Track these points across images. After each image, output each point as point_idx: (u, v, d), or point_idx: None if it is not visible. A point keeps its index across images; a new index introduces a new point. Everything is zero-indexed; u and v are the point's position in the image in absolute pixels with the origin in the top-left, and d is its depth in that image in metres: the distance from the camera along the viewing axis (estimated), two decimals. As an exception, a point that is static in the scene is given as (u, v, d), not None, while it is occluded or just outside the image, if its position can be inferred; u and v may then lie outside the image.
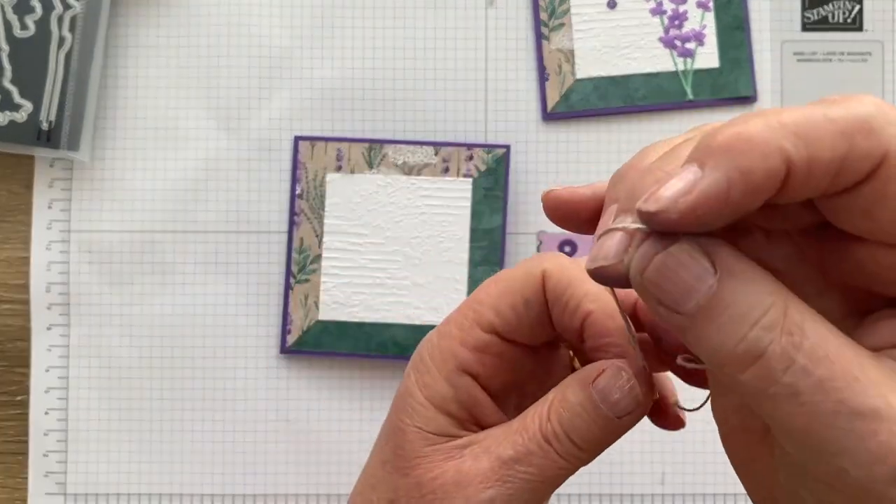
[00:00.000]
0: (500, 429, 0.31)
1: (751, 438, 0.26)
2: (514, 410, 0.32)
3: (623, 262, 0.23)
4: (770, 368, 0.22)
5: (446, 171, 0.55)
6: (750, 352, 0.22)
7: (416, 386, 0.32)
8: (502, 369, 0.32)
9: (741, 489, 0.44)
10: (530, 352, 0.32)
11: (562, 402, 0.30)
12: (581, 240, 0.56)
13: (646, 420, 0.40)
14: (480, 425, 0.32)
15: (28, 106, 0.54)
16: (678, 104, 0.56)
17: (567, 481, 0.57)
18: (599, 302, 0.30)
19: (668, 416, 0.32)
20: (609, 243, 0.24)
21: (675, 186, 0.22)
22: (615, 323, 0.30)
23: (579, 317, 0.30)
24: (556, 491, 0.58)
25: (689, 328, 0.23)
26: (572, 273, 0.31)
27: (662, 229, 0.23)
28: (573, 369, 0.34)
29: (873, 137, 0.21)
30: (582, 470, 0.58)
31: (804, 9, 0.57)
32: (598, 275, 0.24)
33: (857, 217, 0.22)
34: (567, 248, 0.56)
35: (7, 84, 0.53)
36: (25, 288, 0.56)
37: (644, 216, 0.22)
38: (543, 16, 0.56)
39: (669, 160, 0.24)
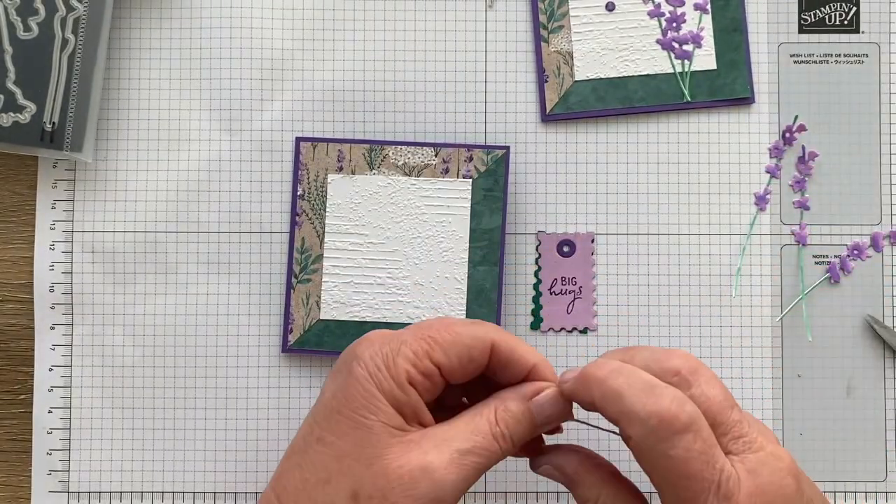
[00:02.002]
0: (447, 427, 0.40)
1: None
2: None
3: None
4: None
5: (446, 171, 0.55)
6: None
7: (377, 388, 0.39)
8: (433, 390, 0.41)
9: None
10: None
11: (506, 411, 0.41)
12: (578, 238, 0.56)
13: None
14: (421, 423, 0.40)
15: (31, 107, 0.54)
16: (676, 106, 0.57)
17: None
18: (538, 358, 0.43)
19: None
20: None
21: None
22: (548, 374, 0.43)
23: (524, 370, 0.42)
24: (555, 489, 0.59)
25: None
26: (513, 343, 0.42)
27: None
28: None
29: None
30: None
31: (801, 11, 0.58)
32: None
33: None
34: (566, 248, 0.56)
35: (11, 86, 0.54)
36: (29, 287, 0.56)
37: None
38: (542, 18, 0.57)
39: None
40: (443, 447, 0.39)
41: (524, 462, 0.46)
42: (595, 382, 0.39)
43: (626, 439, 0.39)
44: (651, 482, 0.40)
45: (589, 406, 0.40)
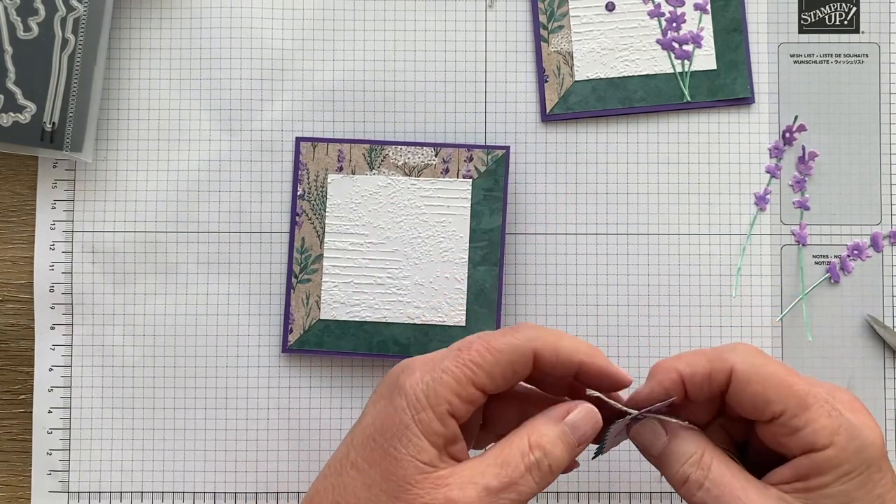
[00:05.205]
0: (476, 462, 0.38)
1: None
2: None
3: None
4: (690, 487, 0.40)
5: (446, 171, 0.55)
6: (681, 477, 0.40)
7: (413, 421, 0.38)
8: (474, 413, 0.40)
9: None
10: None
11: (539, 436, 0.39)
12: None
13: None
14: (455, 458, 0.39)
15: (31, 107, 0.54)
16: (676, 106, 0.57)
17: (566, 480, 0.58)
18: (584, 352, 0.41)
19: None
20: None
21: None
22: (599, 363, 0.42)
23: (572, 369, 0.41)
24: (555, 489, 0.59)
25: (658, 463, 0.42)
26: (554, 343, 0.40)
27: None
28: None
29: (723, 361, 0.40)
30: (581, 468, 0.59)
31: (801, 11, 0.58)
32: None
33: (735, 407, 0.41)
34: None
35: (11, 86, 0.54)
36: (29, 287, 0.56)
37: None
38: (542, 18, 0.57)
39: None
40: (469, 486, 0.37)
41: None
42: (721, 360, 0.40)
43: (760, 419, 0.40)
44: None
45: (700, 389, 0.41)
